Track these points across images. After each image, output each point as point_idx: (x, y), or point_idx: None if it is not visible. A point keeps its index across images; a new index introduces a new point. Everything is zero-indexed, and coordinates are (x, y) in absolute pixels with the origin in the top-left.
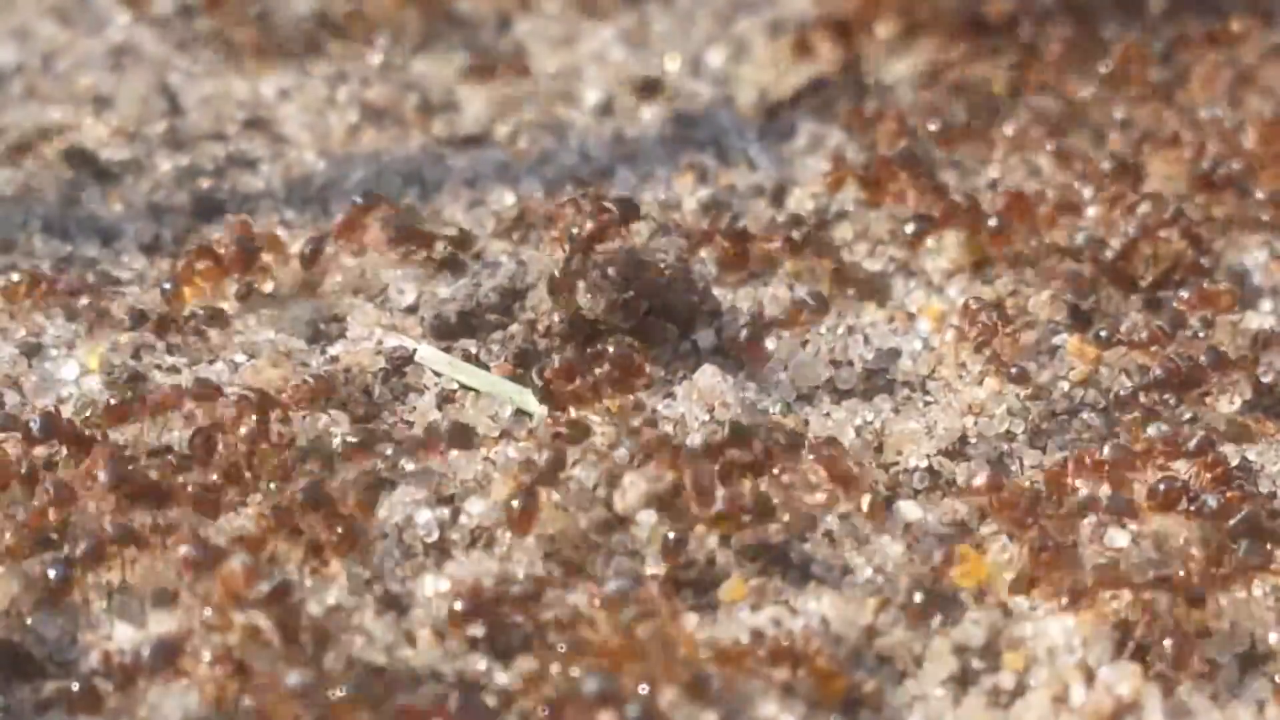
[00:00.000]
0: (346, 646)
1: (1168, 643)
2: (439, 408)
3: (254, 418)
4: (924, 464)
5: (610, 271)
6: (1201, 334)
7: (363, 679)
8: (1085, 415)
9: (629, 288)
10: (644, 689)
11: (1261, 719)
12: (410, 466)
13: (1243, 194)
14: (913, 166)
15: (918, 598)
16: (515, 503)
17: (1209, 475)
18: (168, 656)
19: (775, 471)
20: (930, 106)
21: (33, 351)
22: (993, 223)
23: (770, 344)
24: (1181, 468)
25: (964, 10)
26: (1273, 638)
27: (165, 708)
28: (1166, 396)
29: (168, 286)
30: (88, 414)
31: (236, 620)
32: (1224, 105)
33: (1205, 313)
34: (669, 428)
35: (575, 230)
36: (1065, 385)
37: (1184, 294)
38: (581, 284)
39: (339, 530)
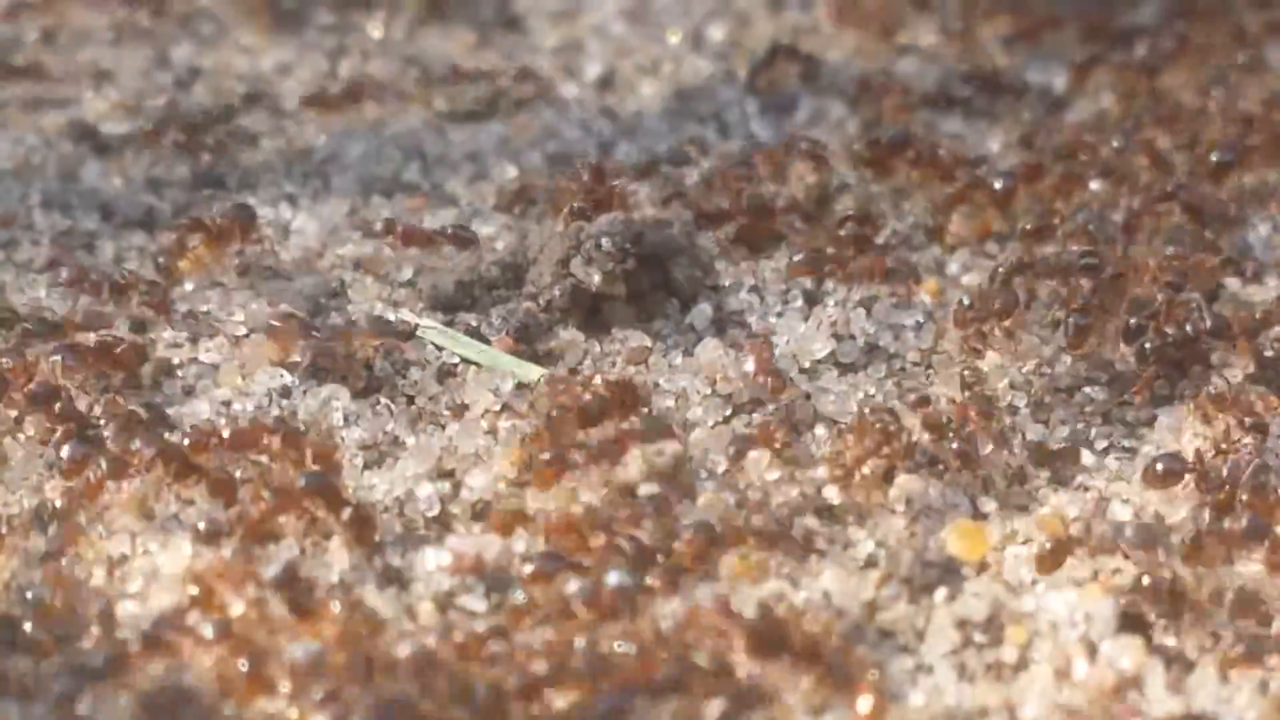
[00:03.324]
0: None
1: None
2: (439, 381)
3: None
4: (926, 437)
5: (604, 243)
6: (1203, 309)
7: None
8: (1088, 389)
9: (626, 258)
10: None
11: (1263, 695)
12: (411, 440)
13: (1243, 170)
14: (915, 141)
15: (919, 571)
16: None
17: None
18: (169, 631)
19: (776, 446)
20: (935, 81)
21: None
22: (996, 194)
23: (772, 319)
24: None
25: None
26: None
27: (166, 682)
28: (1168, 371)
29: (162, 261)
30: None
31: (241, 597)
32: (1225, 80)
33: (1204, 287)
34: (670, 401)
35: (575, 204)
36: (1068, 360)
37: (1180, 267)
38: (577, 256)
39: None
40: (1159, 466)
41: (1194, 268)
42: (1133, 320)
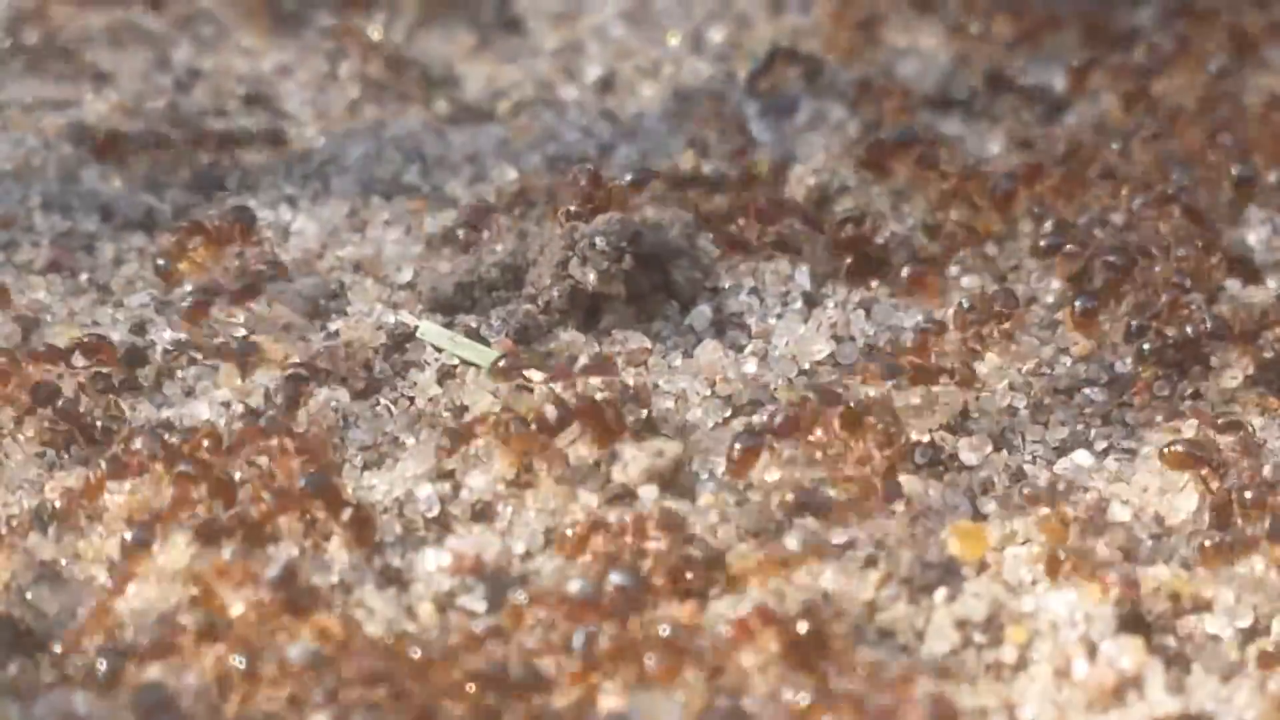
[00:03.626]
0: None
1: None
2: (439, 383)
3: None
4: (925, 439)
5: (599, 242)
6: (1204, 310)
7: None
8: (1087, 391)
9: (622, 258)
10: None
11: (1261, 693)
12: (410, 441)
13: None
14: (916, 143)
15: (919, 572)
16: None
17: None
18: (168, 632)
19: (776, 446)
20: (936, 82)
21: (31, 326)
22: (996, 196)
23: (772, 320)
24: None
25: None
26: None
27: (165, 684)
28: (1168, 372)
29: (162, 263)
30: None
31: (241, 597)
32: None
33: (1204, 289)
34: (670, 403)
35: (571, 206)
36: (1067, 361)
37: (1181, 269)
38: (574, 257)
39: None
40: (1178, 447)
41: (1199, 269)
42: (1135, 322)
